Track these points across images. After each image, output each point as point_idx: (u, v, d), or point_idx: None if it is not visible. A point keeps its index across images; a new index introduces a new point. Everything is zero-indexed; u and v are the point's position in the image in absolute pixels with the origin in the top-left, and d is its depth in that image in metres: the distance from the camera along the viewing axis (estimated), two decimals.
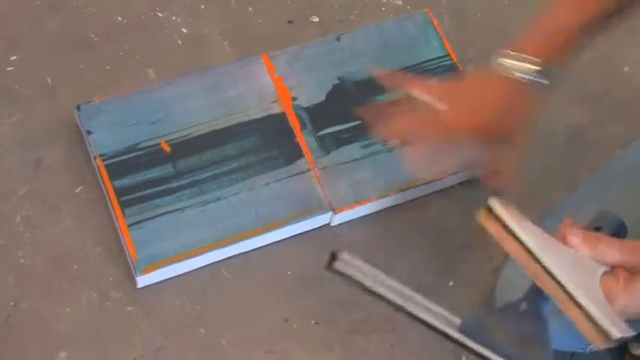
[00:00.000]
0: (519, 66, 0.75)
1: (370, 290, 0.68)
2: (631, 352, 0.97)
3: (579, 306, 0.60)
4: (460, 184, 1.06)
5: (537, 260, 0.61)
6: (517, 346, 0.65)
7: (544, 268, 0.61)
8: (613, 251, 0.66)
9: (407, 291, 0.70)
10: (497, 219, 0.63)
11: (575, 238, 0.65)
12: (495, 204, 0.63)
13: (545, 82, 0.76)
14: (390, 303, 0.67)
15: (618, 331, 0.59)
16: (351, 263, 0.68)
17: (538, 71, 0.75)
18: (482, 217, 0.64)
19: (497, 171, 0.81)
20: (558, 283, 0.61)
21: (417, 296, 0.70)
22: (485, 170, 0.81)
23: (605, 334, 0.59)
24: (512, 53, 0.75)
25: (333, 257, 0.67)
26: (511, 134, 0.78)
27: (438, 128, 0.77)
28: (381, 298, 0.67)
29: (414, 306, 0.68)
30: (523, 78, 0.75)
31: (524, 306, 0.67)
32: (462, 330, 0.66)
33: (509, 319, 0.67)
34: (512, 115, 0.77)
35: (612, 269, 0.65)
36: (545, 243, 0.63)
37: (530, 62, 0.75)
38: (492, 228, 0.63)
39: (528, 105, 0.77)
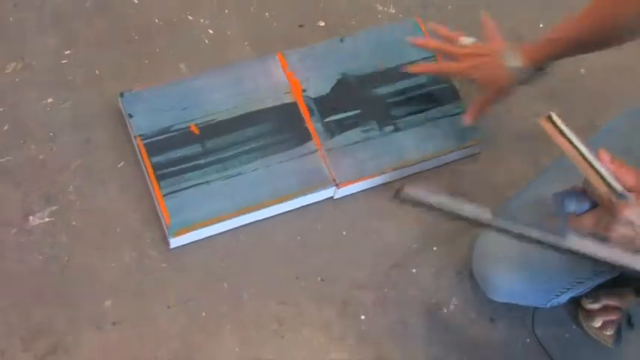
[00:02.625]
0: (514, 60, 0.94)
1: (434, 208, 0.80)
2: (584, 306, 0.99)
3: (602, 178, 0.72)
4: (443, 165, 1.07)
5: (580, 153, 0.73)
6: (540, 219, 0.78)
7: (584, 159, 0.73)
8: (631, 177, 0.72)
9: (456, 203, 0.80)
10: (554, 124, 0.75)
11: (606, 156, 0.72)
12: (554, 115, 0.75)
13: (523, 75, 0.95)
14: (447, 214, 0.78)
15: (620, 186, 0.71)
16: (415, 192, 0.79)
17: (524, 68, 0.95)
18: (542, 120, 0.75)
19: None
20: (592, 167, 0.73)
21: (466, 205, 0.80)
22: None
23: (612, 189, 0.72)
24: (516, 52, 0.94)
25: (400, 188, 0.79)
26: (495, 92, 0.99)
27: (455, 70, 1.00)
28: (442, 212, 0.78)
29: (464, 211, 0.79)
30: (514, 69, 0.95)
31: (550, 198, 0.78)
32: (495, 215, 0.79)
33: (535, 206, 0.82)
34: (499, 86, 0.97)
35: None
36: (587, 148, 0.72)
37: (522, 61, 0.94)
38: (550, 129, 0.75)
39: (509, 83, 0.96)
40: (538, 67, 0.96)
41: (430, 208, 0.79)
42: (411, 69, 1.03)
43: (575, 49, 0.93)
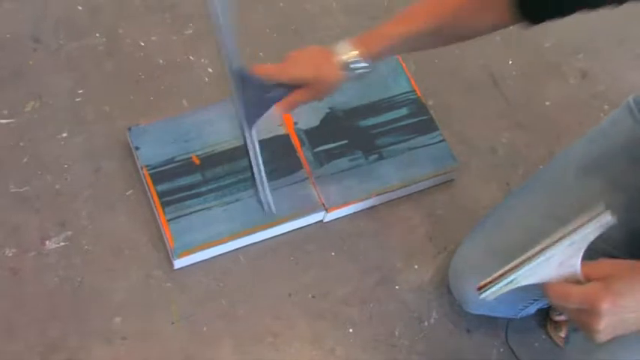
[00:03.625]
0: (344, 48, 0.83)
1: None
2: (551, 318, 1.00)
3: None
4: (422, 191, 1.10)
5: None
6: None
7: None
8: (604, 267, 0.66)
9: None
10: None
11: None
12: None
13: (359, 68, 0.84)
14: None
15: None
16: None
17: (356, 60, 0.83)
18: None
19: None
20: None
21: None
22: None
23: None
24: (346, 44, 0.83)
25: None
26: (317, 90, 0.85)
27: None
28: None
29: None
30: (345, 62, 0.83)
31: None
32: None
33: None
34: (327, 79, 0.84)
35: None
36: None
37: (351, 48, 0.83)
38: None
39: (336, 77, 0.84)
40: (372, 57, 0.84)
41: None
42: None
43: (410, 44, 0.85)
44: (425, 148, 1.09)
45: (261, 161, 0.92)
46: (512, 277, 0.65)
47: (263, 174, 0.93)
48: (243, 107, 0.86)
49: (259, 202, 0.95)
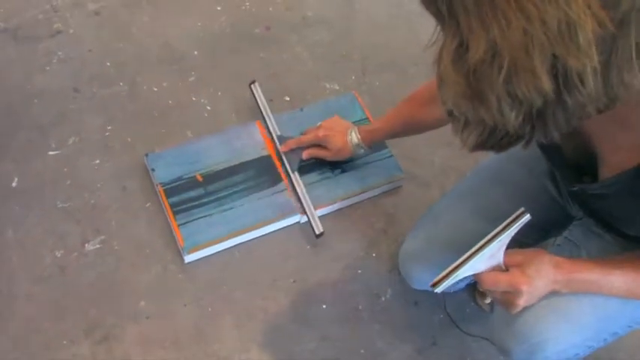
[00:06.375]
0: (354, 137, 1.09)
1: None
2: (478, 289, 1.09)
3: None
4: (377, 195, 1.17)
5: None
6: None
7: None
8: (518, 257, 0.75)
9: None
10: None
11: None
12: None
13: (362, 150, 1.10)
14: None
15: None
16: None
17: (358, 144, 1.09)
18: None
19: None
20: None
21: None
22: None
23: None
24: (355, 130, 1.09)
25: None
26: (338, 156, 1.12)
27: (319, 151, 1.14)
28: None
29: None
30: (352, 142, 1.09)
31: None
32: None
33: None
34: (342, 152, 1.11)
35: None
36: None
37: (357, 138, 1.09)
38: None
39: (349, 153, 1.11)
40: (368, 146, 1.10)
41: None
42: (285, 148, 1.14)
43: (392, 136, 1.09)
44: (378, 162, 1.18)
45: (305, 192, 1.09)
46: (456, 273, 0.73)
47: (309, 201, 1.09)
48: (287, 160, 1.13)
49: (309, 225, 1.07)
